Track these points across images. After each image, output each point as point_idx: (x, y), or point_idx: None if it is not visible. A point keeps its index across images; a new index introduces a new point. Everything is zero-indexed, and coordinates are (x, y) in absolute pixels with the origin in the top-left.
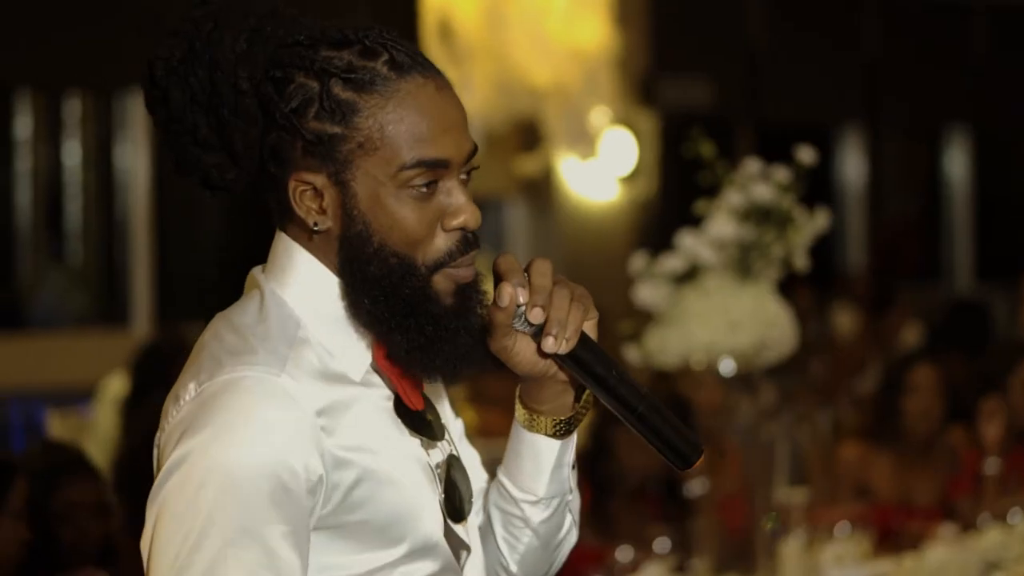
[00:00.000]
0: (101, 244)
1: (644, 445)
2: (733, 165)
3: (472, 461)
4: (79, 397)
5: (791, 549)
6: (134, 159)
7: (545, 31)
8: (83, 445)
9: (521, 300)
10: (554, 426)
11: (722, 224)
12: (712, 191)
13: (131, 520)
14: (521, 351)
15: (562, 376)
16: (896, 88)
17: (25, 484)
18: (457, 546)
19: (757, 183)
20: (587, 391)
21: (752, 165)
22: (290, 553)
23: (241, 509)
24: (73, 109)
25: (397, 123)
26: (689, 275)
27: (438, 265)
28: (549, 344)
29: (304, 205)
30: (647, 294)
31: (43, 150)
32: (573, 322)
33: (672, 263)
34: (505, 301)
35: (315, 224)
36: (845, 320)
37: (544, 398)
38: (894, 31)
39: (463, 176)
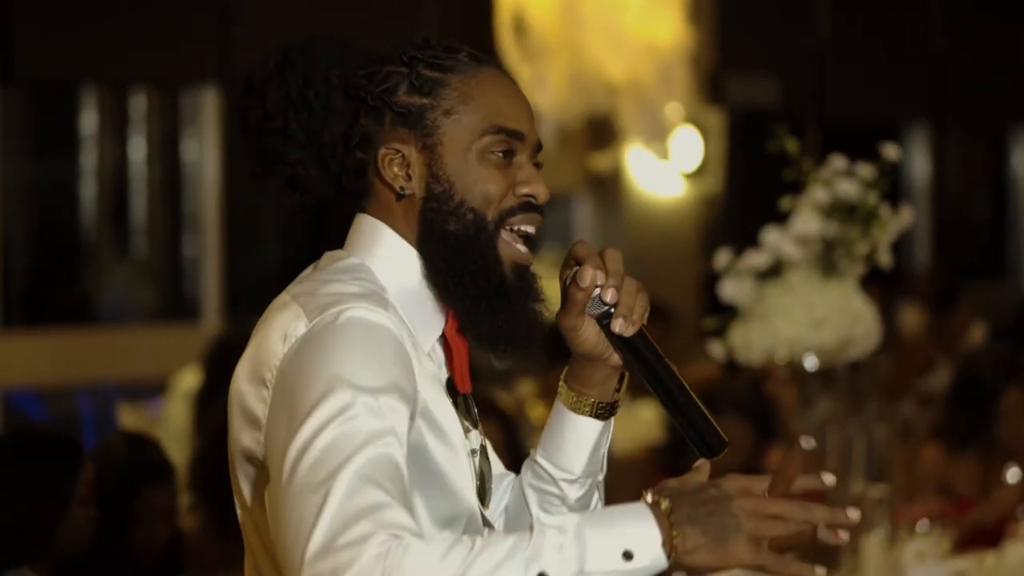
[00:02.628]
0: (167, 239)
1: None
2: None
3: (492, 454)
4: (150, 391)
5: (873, 546)
6: (202, 154)
7: (620, 26)
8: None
9: (599, 281)
10: (598, 408)
11: (807, 220)
12: (792, 187)
13: (205, 519)
14: (587, 330)
15: (613, 361)
16: (962, 86)
17: (92, 469)
18: (484, 527)
19: (842, 179)
20: (624, 381)
21: (837, 161)
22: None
23: (373, 420)
24: (138, 104)
25: (479, 96)
26: (773, 271)
27: (503, 217)
28: (620, 324)
29: (391, 171)
30: (731, 290)
31: (108, 146)
32: (639, 308)
33: (756, 259)
34: (587, 281)
35: (401, 188)
36: (911, 318)
37: (593, 381)
38: (959, 29)
39: (533, 159)
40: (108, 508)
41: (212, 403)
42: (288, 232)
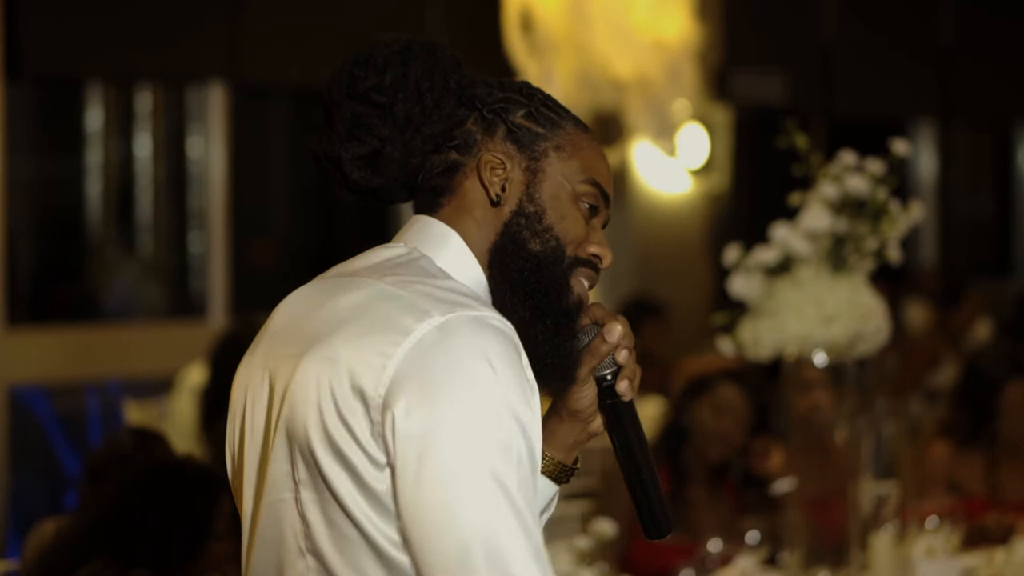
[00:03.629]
0: (173, 236)
1: (722, 435)
2: (817, 158)
3: None
4: (156, 388)
5: (882, 542)
6: (208, 151)
7: (628, 23)
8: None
9: (627, 343)
10: (559, 469)
11: (816, 216)
12: (801, 183)
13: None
14: (588, 388)
15: (593, 427)
16: (968, 83)
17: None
18: None
19: (851, 175)
20: (579, 457)
21: (846, 157)
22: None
23: (530, 457)
24: (145, 101)
25: (586, 151)
26: (782, 267)
27: (577, 261)
28: (624, 386)
29: (491, 176)
30: (740, 286)
31: (115, 142)
32: (638, 376)
33: (765, 255)
34: (615, 336)
35: (496, 196)
36: (916, 315)
37: (565, 443)
38: (967, 26)
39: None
40: (126, 511)
41: (217, 399)
42: (295, 228)
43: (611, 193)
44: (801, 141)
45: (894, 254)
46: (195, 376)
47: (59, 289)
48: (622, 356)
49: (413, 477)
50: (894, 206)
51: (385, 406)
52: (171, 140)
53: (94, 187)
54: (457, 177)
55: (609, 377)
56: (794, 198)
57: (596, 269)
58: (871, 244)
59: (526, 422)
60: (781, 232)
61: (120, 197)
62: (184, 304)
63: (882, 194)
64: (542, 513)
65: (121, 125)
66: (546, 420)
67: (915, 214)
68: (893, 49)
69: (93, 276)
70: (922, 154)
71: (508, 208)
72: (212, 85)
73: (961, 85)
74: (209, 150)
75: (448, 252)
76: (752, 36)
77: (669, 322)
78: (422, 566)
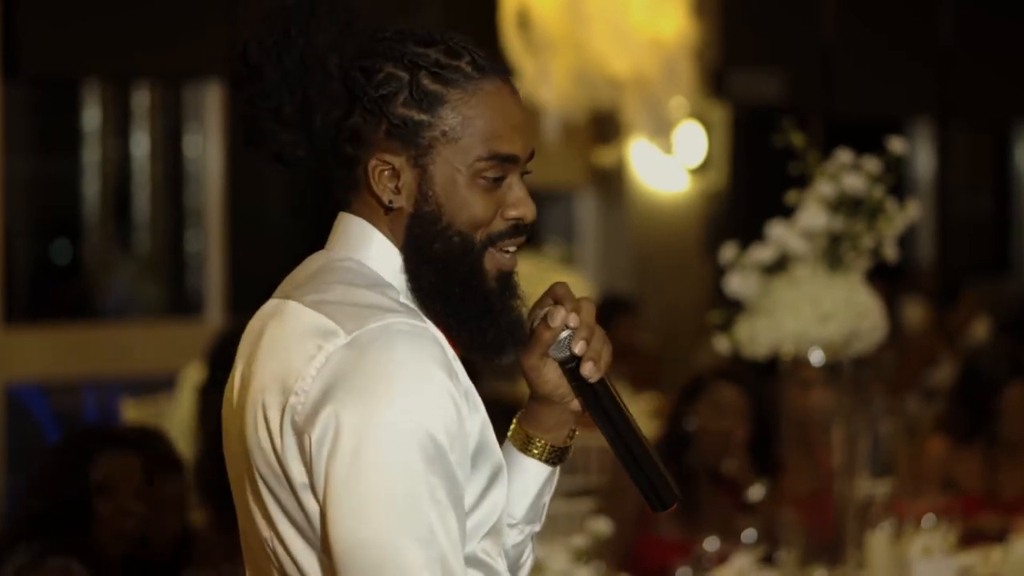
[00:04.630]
0: (170, 235)
1: (722, 435)
2: (814, 157)
3: None
4: (153, 386)
5: (878, 541)
6: (205, 149)
7: (625, 21)
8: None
9: (572, 324)
10: (549, 451)
11: (813, 214)
12: (798, 181)
13: (210, 514)
14: (548, 372)
15: (572, 406)
16: (967, 82)
17: (117, 463)
18: None
19: (848, 173)
20: (575, 431)
21: (843, 155)
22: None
23: (427, 464)
24: (141, 100)
25: (477, 118)
26: (779, 265)
27: (491, 242)
28: (589, 368)
29: (382, 183)
30: (737, 284)
31: (112, 141)
32: (606, 356)
33: (762, 253)
34: (557, 321)
35: (390, 202)
36: (914, 313)
37: (548, 424)
38: (965, 26)
39: (524, 172)
40: (70, 479)
41: (213, 399)
42: (291, 226)
43: (520, 135)
44: (798, 139)
45: (891, 252)
46: (197, 374)
47: (56, 288)
48: (578, 348)
49: (328, 484)
50: (891, 204)
51: (303, 430)
52: (168, 139)
53: (91, 186)
54: (356, 172)
55: (572, 361)
56: (791, 197)
57: (520, 230)
58: (867, 242)
59: (437, 429)
60: (778, 231)
61: (117, 196)
62: (181, 303)
63: (878, 192)
64: (542, 496)
65: (118, 124)
66: (528, 404)
67: (911, 213)
68: (891, 48)
69: (90, 275)
70: (920, 153)
71: (406, 211)
72: (209, 84)
73: (960, 84)
74: (206, 149)
75: (371, 250)
76: (750, 35)
77: (641, 316)
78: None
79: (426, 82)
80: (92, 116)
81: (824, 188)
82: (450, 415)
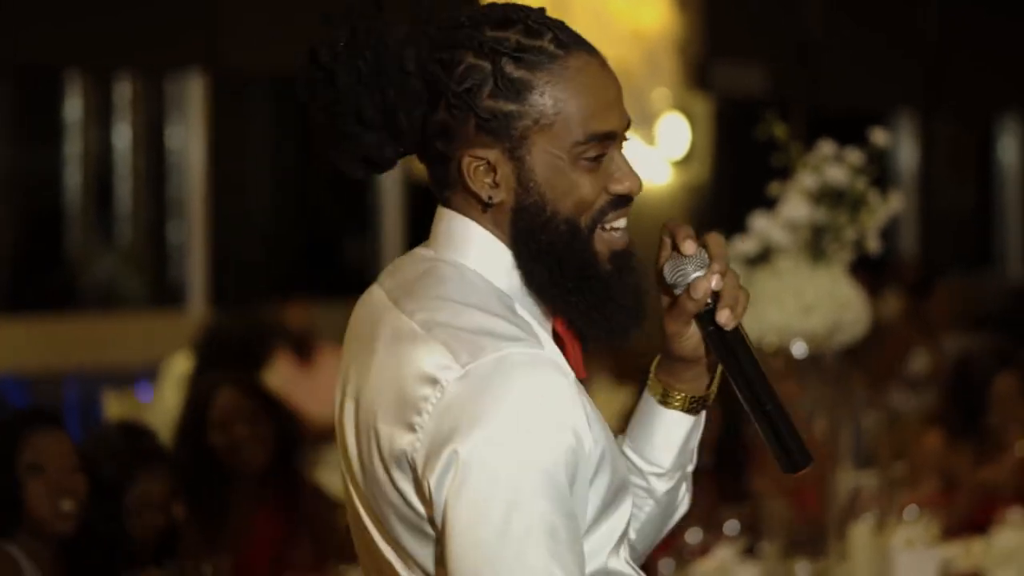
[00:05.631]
0: (152, 226)
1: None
2: (796, 149)
3: None
4: (135, 378)
5: (861, 532)
6: (187, 141)
7: (607, 13)
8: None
9: (691, 252)
10: (690, 402)
11: (795, 206)
12: (781, 173)
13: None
14: (691, 336)
15: (709, 361)
16: (949, 75)
17: (40, 442)
18: None
19: (831, 165)
20: (718, 377)
21: (826, 147)
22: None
23: (555, 503)
24: (123, 91)
25: (569, 99)
26: (762, 257)
27: (595, 223)
28: (725, 316)
29: (478, 180)
30: None
31: (93, 133)
32: (743, 299)
33: (745, 245)
34: (700, 293)
35: (489, 197)
36: (891, 305)
37: (686, 376)
38: (949, 18)
39: (623, 143)
40: (104, 497)
41: (196, 390)
42: (273, 218)
43: (616, 108)
44: (780, 131)
45: (873, 244)
46: (180, 365)
47: (38, 279)
48: (714, 282)
49: (447, 522)
50: (873, 196)
51: (422, 472)
52: (150, 130)
53: (73, 177)
54: (451, 168)
55: (709, 303)
56: (773, 188)
57: (622, 201)
58: (850, 234)
59: (557, 465)
60: (760, 223)
61: (99, 187)
62: (163, 294)
63: (861, 184)
64: (689, 443)
65: (100, 115)
66: (663, 356)
67: (894, 205)
68: (875, 41)
69: (72, 266)
70: (904, 146)
71: (507, 205)
72: (191, 75)
73: (943, 77)
74: (188, 140)
75: (475, 250)
76: (733, 27)
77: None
78: None
79: (510, 69)
80: (74, 107)
81: (806, 180)
82: (570, 448)
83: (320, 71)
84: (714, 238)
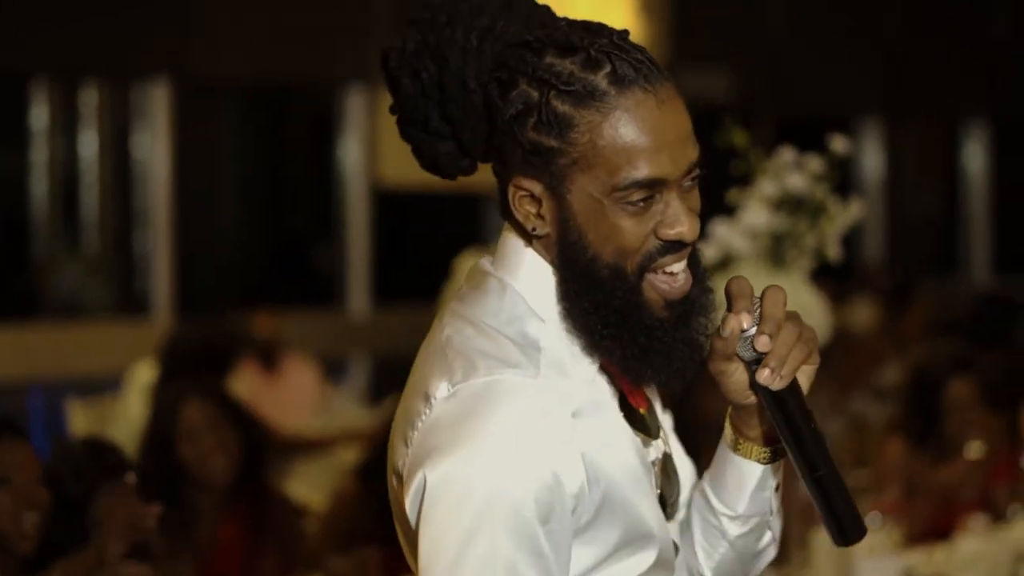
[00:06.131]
0: (118, 234)
1: None
2: (757, 156)
3: (679, 454)
4: (100, 387)
5: (823, 540)
6: (153, 149)
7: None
8: (108, 434)
9: (745, 326)
10: (759, 453)
11: (755, 213)
12: (743, 180)
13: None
14: (737, 378)
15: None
16: (916, 80)
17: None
18: (671, 544)
19: (791, 172)
20: None
21: (786, 154)
22: (555, 569)
23: (519, 533)
24: (90, 99)
25: (612, 142)
26: (722, 264)
27: (643, 268)
28: (765, 376)
29: (523, 210)
30: None
31: (59, 140)
32: (792, 361)
33: (705, 252)
34: (726, 333)
35: (533, 229)
36: (862, 313)
37: (753, 424)
38: (914, 22)
39: (687, 183)
40: (69, 513)
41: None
42: (240, 226)
43: (670, 151)
44: (740, 138)
45: (833, 252)
46: (144, 374)
47: (3, 287)
48: (761, 344)
49: (419, 545)
50: (833, 203)
51: (403, 491)
52: (116, 138)
53: (39, 185)
54: (505, 191)
55: (755, 364)
56: (733, 195)
57: (676, 246)
58: (810, 241)
59: (526, 499)
60: (721, 230)
61: (65, 195)
62: (129, 303)
63: (820, 192)
64: (762, 490)
65: (66, 123)
66: (733, 406)
67: (854, 212)
68: (841, 47)
69: (37, 274)
70: (870, 152)
71: (552, 238)
72: (156, 82)
73: (910, 83)
74: (154, 148)
75: (523, 270)
76: (699, 32)
77: None
78: None
79: (556, 103)
80: (40, 114)
81: (767, 187)
82: (544, 484)
83: (388, 76)
84: (770, 296)
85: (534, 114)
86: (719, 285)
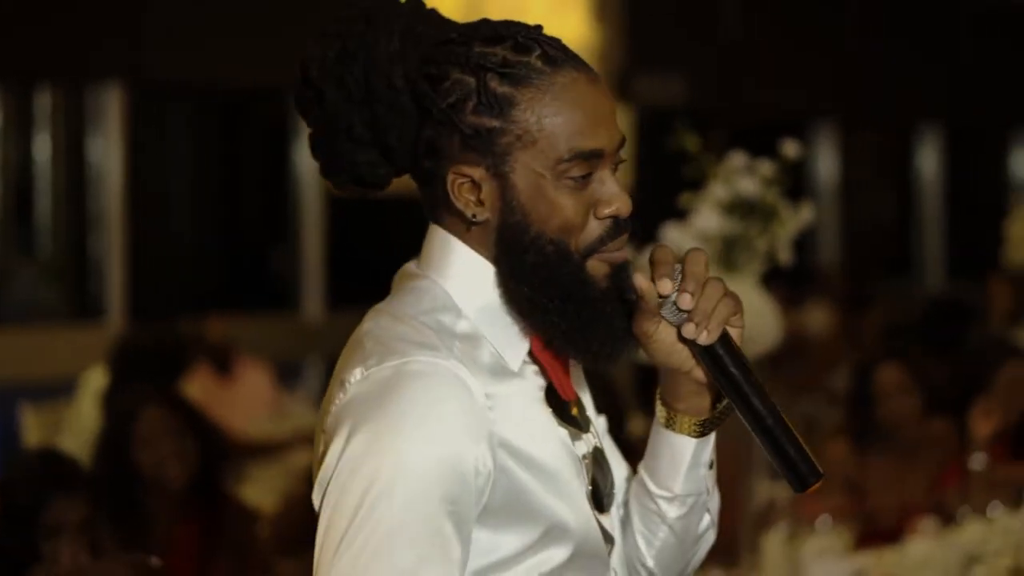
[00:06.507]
0: (72, 239)
1: None
2: (709, 160)
3: (614, 454)
4: (54, 391)
5: (773, 543)
6: (107, 153)
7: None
8: (60, 439)
9: (666, 291)
10: (691, 425)
11: (707, 217)
12: (695, 184)
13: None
14: (661, 338)
15: (699, 375)
16: (870, 84)
17: None
18: (603, 537)
19: (742, 176)
20: (723, 399)
21: (737, 158)
22: (458, 549)
23: (415, 507)
24: (43, 102)
25: (554, 116)
26: None
27: (591, 251)
28: (690, 330)
29: (463, 197)
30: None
31: (13, 144)
32: (718, 315)
33: None
34: (637, 288)
35: (473, 216)
36: (817, 317)
37: (681, 395)
38: (870, 28)
39: (616, 162)
40: (21, 523)
41: (115, 405)
42: (194, 231)
43: (605, 126)
44: (692, 143)
45: (784, 256)
46: (97, 379)
47: None
48: (683, 301)
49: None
50: (784, 208)
51: (316, 474)
52: (70, 142)
53: None
54: (437, 187)
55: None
56: (685, 199)
57: (618, 229)
58: (761, 245)
59: (430, 479)
60: (672, 233)
61: (18, 199)
62: (83, 307)
63: (772, 196)
64: (697, 467)
65: (20, 126)
66: (660, 376)
67: (805, 216)
68: (795, 52)
69: None
70: (824, 156)
71: (492, 224)
72: (111, 87)
73: (863, 88)
74: (108, 153)
75: (453, 268)
76: (654, 37)
77: None
78: None
79: (494, 85)
80: None
81: (718, 191)
82: (447, 463)
83: (310, 88)
84: (692, 257)
85: (472, 98)
86: None
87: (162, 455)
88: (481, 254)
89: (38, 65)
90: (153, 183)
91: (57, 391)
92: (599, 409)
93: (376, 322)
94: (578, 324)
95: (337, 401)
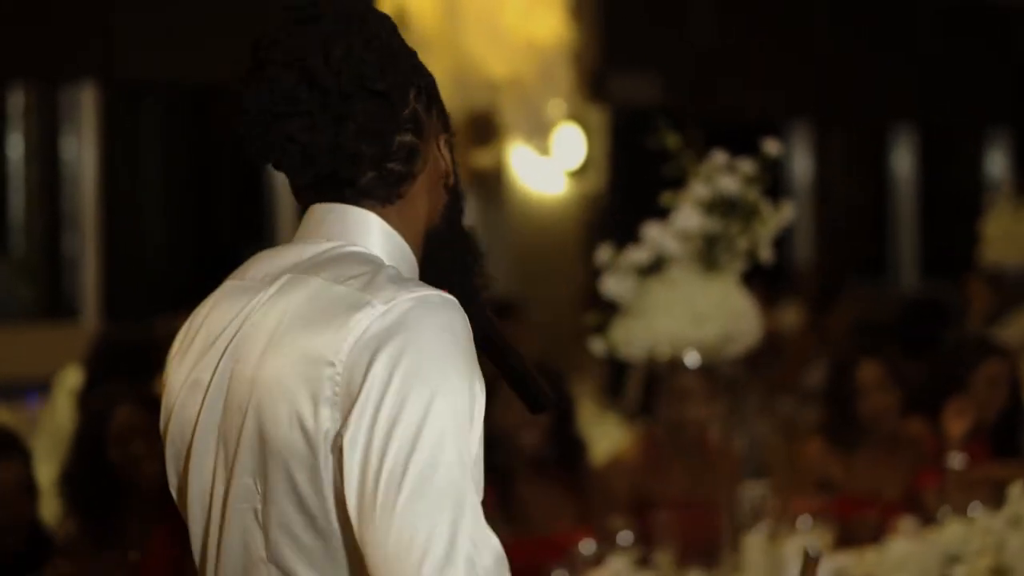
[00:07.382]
0: (46, 237)
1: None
2: (689, 158)
3: None
4: (26, 390)
5: (754, 542)
6: (80, 152)
7: (501, 24)
8: (34, 438)
9: None
10: None
11: (687, 216)
12: (674, 183)
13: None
14: None
15: None
16: (843, 83)
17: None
18: None
19: (723, 175)
20: None
21: (718, 157)
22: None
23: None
24: (16, 101)
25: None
26: (654, 267)
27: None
28: None
29: (446, 158)
30: (613, 286)
31: None
32: None
33: (637, 255)
34: None
35: (447, 176)
36: (790, 316)
37: None
38: (842, 26)
39: None
40: None
41: (89, 405)
42: (168, 230)
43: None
44: (672, 141)
45: (765, 254)
46: (73, 378)
47: None
48: None
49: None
50: (765, 206)
51: (344, 401)
52: (43, 141)
53: None
54: (417, 163)
55: None
56: (666, 198)
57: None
58: (742, 244)
59: (477, 405)
60: (653, 232)
61: None
62: (56, 306)
63: (752, 194)
64: None
65: None
66: None
67: (786, 214)
68: (769, 51)
69: None
70: (799, 156)
71: (441, 191)
72: (84, 85)
73: (836, 85)
74: (81, 151)
75: (375, 238)
76: (629, 37)
77: (525, 319)
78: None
79: (395, 43)
80: None
81: (699, 190)
82: (478, 383)
83: (268, 71)
84: None
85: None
86: (653, 290)
87: (137, 454)
88: (399, 231)
89: (11, 64)
90: (127, 182)
91: (30, 390)
92: (549, 405)
93: (344, 269)
94: (471, 269)
95: (351, 340)
